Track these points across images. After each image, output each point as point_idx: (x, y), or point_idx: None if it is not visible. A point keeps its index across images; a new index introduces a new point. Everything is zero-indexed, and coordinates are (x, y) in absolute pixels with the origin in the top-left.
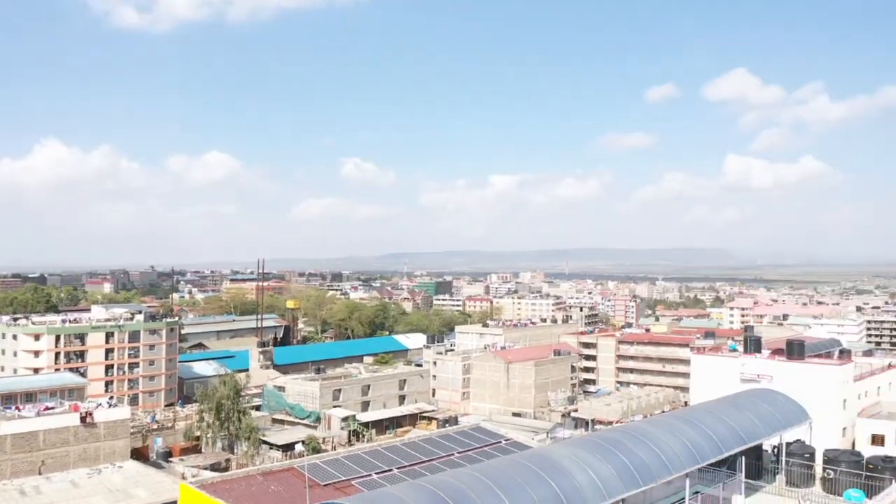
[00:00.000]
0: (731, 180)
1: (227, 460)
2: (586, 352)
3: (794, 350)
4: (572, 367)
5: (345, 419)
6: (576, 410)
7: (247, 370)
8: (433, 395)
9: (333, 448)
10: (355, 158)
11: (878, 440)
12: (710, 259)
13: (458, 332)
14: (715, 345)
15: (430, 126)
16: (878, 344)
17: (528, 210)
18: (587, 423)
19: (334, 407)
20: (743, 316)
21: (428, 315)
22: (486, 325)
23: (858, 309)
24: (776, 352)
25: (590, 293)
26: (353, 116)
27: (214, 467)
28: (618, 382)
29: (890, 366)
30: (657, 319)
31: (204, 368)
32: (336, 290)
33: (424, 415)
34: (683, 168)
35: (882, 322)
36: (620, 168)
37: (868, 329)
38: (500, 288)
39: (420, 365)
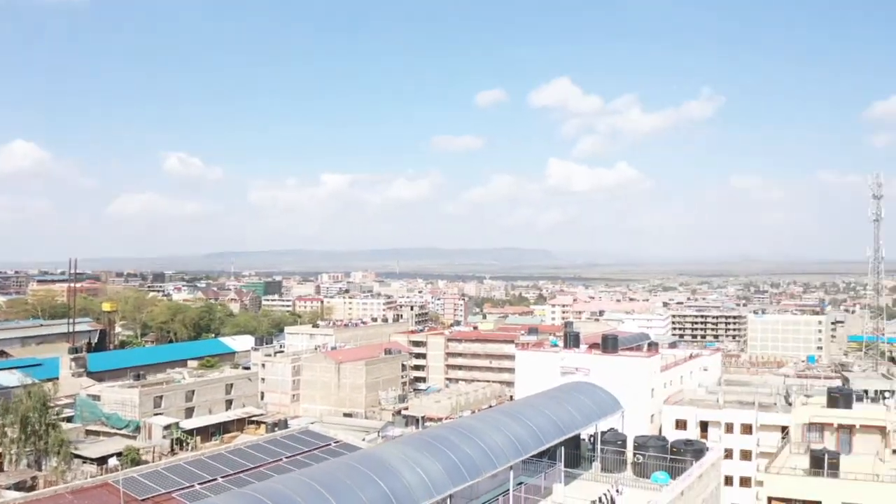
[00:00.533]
0: (554, 183)
1: (34, 478)
2: (417, 350)
3: (609, 344)
4: (403, 365)
5: (167, 427)
6: (406, 408)
7: (56, 379)
8: (262, 398)
9: (156, 459)
10: (180, 153)
11: (681, 425)
12: (534, 259)
13: (287, 333)
14: (538, 340)
15: (260, 121)
16: (682, 336)
17: (361, 209)
18: (418, 420)
19: (155, 415)
20: (564, 312)
21: (256, 316)
22: (316, 326)
23: (665, 305)
24: (593, 346)
25: (420, 292)
26: (176, 109)
27: (19, 486)
28: (447, 379)
29: (691, 356)
30: (484, 317)
31: (6, 379)
32: (157, 291)
33: (253, 419)
34: (510, 170)
35: (685, 316)
36: (451, 169)
37: (673, 323)
38: (332, 288)
39: (248, 368)
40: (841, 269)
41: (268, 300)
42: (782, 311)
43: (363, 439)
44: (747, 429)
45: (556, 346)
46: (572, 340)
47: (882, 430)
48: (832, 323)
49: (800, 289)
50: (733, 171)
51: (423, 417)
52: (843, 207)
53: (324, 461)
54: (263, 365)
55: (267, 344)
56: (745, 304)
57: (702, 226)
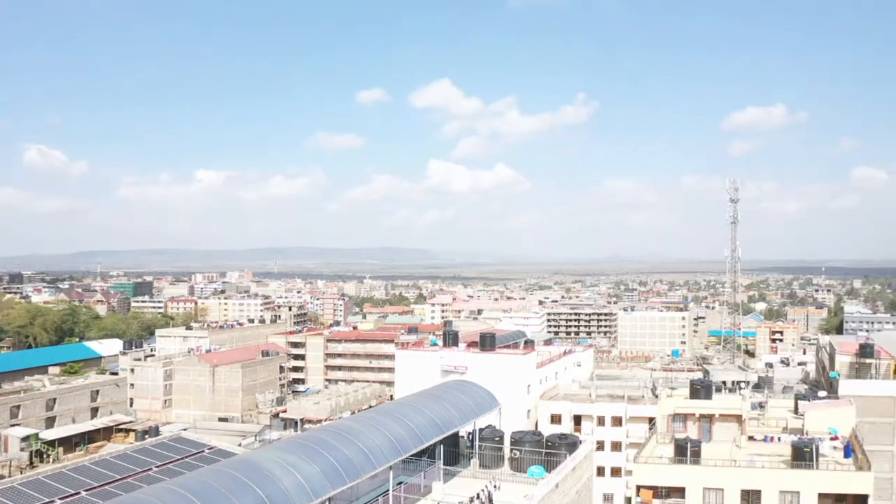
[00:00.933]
0: (434, 184)
1: None
2: (295, 351)
3: (487, 343)
4: (281, 367)
5: (25, 439)
6: (285, 411)
7: None
8: (131, 404)
9: (12, 473)
10: (40, 145)
11: (556, 419)
12: (413, 258)
13: (159, 335)
14: (417, 340)
15: (130, 114)
16: (557, 333)
17: (238, 207)
18: (297, 422)
19: (12, 426)
20: (443, 312)
21: (125, 318)
22: (189, 328)
23: (541, 303)
24: (472, 344)
25: (299, 293)
26: (37, 97)
27: None
28: (327, 380)
29: (566, 353)
30: (364, 317)
31: None
32: (15, 292)
33: (121, 427)
34: (391, 170)
35: (559, 314)
36: (331, 168)
37: (548, 320)
38: (206, 288)
39: (116, 373)
40: (703, 268)
41: (138, 302)
42: (650, 308)
43: (240, 444)
44: (618, 421)
45: (435, 345)
46: (451, 339)
47: (738, 419)
48: (694, 319)
49: (665, 287)
50: (606, 174)
51: (302, 420)
52: (706, 210)
53: (197, 469)
54: (133, 370)
55: (136, 348)
56: (615, 302)
57: (576, 227)
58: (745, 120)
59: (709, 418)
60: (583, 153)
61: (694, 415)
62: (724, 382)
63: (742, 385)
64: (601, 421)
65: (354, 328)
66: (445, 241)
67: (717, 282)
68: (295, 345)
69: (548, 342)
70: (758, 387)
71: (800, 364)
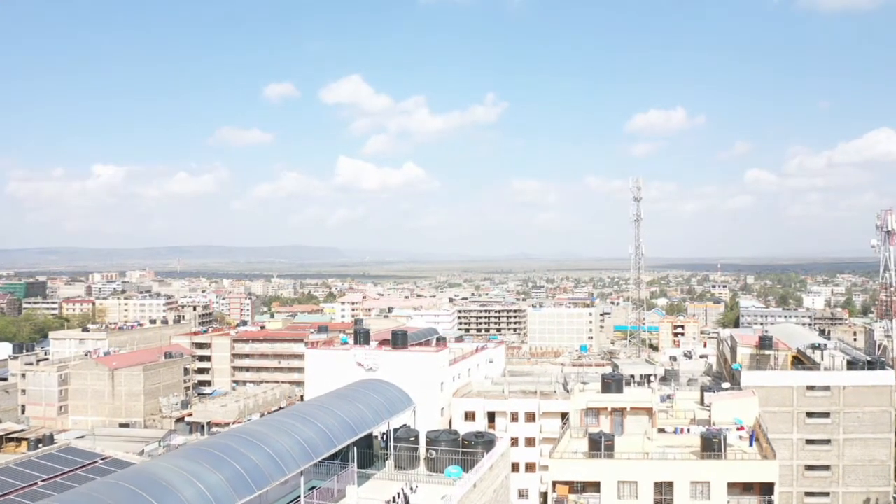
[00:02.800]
0: (343, 181)
1: None
2: (200, 352)
3: (399, 340)
4: (185, 369)
5: None
6: (190, 415)
7: None
8: (23, 412)
9: None
10: None
11: (470, 416)
12: (322, 256)
13: (52, 338)
14: (328, 338)
15: (21, 104)
16: (468, 330)
17: (138, 204)
18: (203, 426)
19: None
20: (353, 310)
21: (16, 321)
22: (86, 330)
23: (451, 301)
24: (383, 342)
25: (203, 292)
26: None
27: None
28: (234, 381)
29: (478, 350)
30: (272, 316)
31: None
32: None
33: (12, 436)
34: (299, 167)
35: (470, 311)
36: (237, 164)
37: (459, 317)
38: (105, 288)
39: (5, 379)
40: (606, 266)
41: (30, 303)
42: (557, 304)
43: (142, 452)
44: (531, 417)
45: (346, 343)
46: (362, 337)
47: (649, 412)
48: (600, 315)
49: (572, 284)
50: (513, 173)
51: (208, 423)
52: (609, 210)
53: (88, 482)
54: (24, 375)
55: (28, 351)
56: (524, 299)
57: (484, 225)
58: (648, 122)
59: (621, 412)
60: (491, 153)
61: (606, 409)
62: (632, 376)
63: (651, 378)
64: (515, 417)
65: (262, 328)
66: (355, 240)
67: (620, 279)
68: (200, 346)
69: (459, 339)
70: (665, 379)
71: (702, 357)
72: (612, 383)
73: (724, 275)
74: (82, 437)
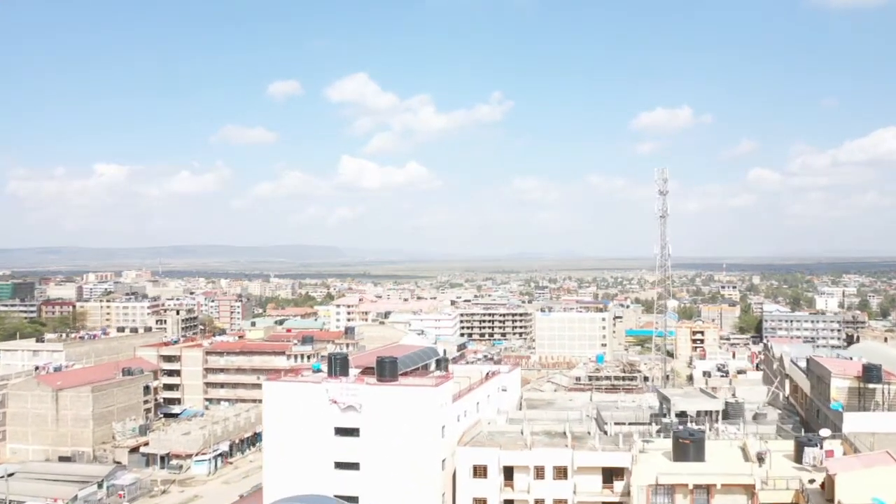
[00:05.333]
0: (345, 180)
1: None
2: (169, 366)
3: (386, 370)
4: (146, 387)
5: None
6: (146, 444)
7: None
8: None
9: None
10: None
11: (480, 471)
12: (323, 256)
13: (2, 349)
14: (293, 367)
15: (22, 103)
16: (470, 335)
17: (140, 204)
18: (162, 458)
19: None
20: (349, 313)
21: None
22: (40, 340)
23: (453, 303)
24: (366, 371)
25: (192, 294)
26: None
27: None
28: (207, 400)
29: (488, 376)
30: (254, 324)
31: None
32: None
33: None
34: (301, 166)
35: (473, 314)
36: (240, 163)
37: (461, 321)
38: (96, 289)
39: None
40: (609, 266)
41: (6, 305)
42: (567, 308)
43: (75, 497)
44: (561, 472)
45: (318, 370)
46: (339, 366)
47: (748, 490)
48: (613, 319)
49: (575, 284)
50: (515, 172)
51: (168, 454)
52: (610, 209)
53: None
54: None
55: None
56: (530, 301)
57: (485, 224)
58: (653, 121)
59: (706, 489)
60: (495, 151)
61: (686, 485)
62: (684, 413)
63: (714, 415)
64: (540, 472)
65: (241, 337)
66: (356, 239)
67: (623, 279)
68: (168, 358)
69: (461, 347)
70: (727, 416)
71: (740, 372)
72: (689, 446)
73: (729, 275)
74: (12, 474)
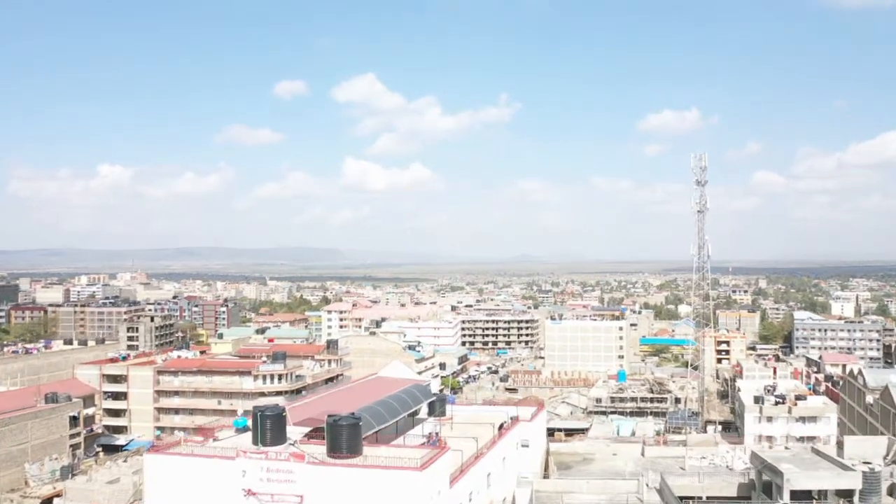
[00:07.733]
0: (349, 182)
1: None
2: (113, 387)
3: (343, 440)
4: (73, 418)
5: None
6: (59, 494)
7: None
8: None
9: None
10: None
11: None
12: (325, 258)
13: None
14: (209, 425)
15: (25, 104)
16: (473, 344)
17: (144, 205)
18: None
19: None
20: (342, 320)
21: None
22: None
23: (453, 308)
24: (314, 433)
25: (175, 298)
26: None
27: None
28: (159, 428)
29: (502, 431)
30: (221, 336)
31: None
32: None
33: None
34: (306, 167)
35: (475, 321)
36: (245, 163)
37: (463, 329)
38: (84, 291)
39: None
40: (609, 269)
41: None
42: (579, 316)
43: None
44: None
45: (244, 427)
46: (270, 431)
47: None
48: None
49: (578, 287)
50: (518, 174)
51: None
52: (614, 211)
53: None
54: None
55: None
56: (535, 306)
57: (487, 227)
58: (661, 123)
59: None
60: (501, 153)
61: None
62: (807, 494)
63: (848, 497)
64: None
65: (202, 352)
66: (358, 241)
67: (627, 282)
68: (113, 378)
69: (462, 358)
70: (865, 495)
71: (799, 398)
72: None
73: (735, 278)
74: None
